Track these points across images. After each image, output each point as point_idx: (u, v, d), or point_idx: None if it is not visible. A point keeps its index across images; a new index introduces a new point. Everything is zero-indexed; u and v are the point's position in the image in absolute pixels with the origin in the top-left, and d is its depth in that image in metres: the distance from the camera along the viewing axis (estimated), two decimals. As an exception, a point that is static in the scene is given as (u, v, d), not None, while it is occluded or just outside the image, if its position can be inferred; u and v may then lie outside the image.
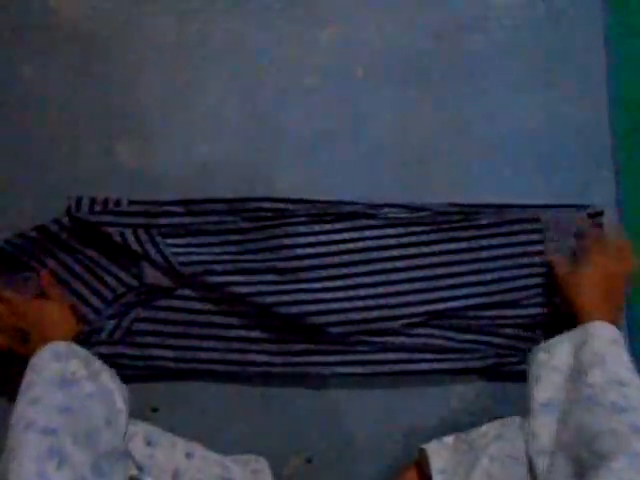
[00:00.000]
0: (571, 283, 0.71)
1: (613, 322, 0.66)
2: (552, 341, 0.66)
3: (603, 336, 0.64)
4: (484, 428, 0.68)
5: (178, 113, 0.81)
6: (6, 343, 0.68)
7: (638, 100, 0.85)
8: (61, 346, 0.62)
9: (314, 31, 0.84)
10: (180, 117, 0.81)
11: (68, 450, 0.51)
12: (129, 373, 0.73)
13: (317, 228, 0.77)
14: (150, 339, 0.74)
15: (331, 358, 0.74)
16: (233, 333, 0.74)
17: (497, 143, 0.83)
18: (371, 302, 0.75)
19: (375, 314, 0.74)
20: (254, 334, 0.75)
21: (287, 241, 0.76)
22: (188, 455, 0.63)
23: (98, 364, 0.63)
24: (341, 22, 0.84)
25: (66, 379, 0.58)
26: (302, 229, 0.77)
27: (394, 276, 0.76)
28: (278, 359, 0.74)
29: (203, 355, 0.74)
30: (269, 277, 0.75)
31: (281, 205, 0.78)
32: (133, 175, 0.80)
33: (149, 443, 0.61)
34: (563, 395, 0.61)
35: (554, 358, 0.64)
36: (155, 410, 0.75)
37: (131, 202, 0.77)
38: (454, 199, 0.80)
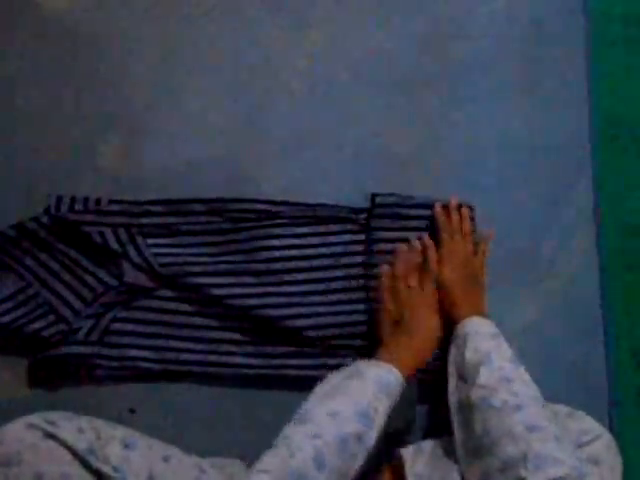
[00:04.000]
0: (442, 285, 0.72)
1: (482, 310, 0.70)
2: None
3: (481, 332, 0.66)
4: None
5: (163, 114, 0.81)
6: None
7: (617, 108, 0.86)
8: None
9: (300, 34, 0.84)
10: (165, 118, 0.81)
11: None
12: (105, 373, 0.73)
13: (297, 230, 0.77)
14: (128, 339, 0.74)
15: (309, 361, 0.74)
16: (212, 334, 0.75)
17: (479, 149, 0.84)
18: (346, 307, 0.76)
19: (349, 319, 0.75)
20: (233, 336, 0.75)
21: (266, 243, 0.77)
22: (165, 458, 0.62)
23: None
24: (326, 26, 0.84)
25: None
26: (281, 231, 0.77)
27: (369, 282, 0.76)
28: (256, 361, 0.74)
29: (182, 356, 0.74)
30: (247, 279, 0.76)
31: (263, 207, 0.78)
32: (117, 175, 0.79)
33: (126, 446, 0.60)
34: (456, 398, 0.63)
35: (448, 364, 0.67)
36: (133, 411, 0.74)
37: (111, 201, 0.77)
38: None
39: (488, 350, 0.63)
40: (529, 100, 0.85)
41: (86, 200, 0.77)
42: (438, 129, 0.83)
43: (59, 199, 0.76)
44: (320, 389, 0.61)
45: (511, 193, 0.83)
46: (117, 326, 0.74)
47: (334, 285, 0.77)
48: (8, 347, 0.74)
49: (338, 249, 0.78)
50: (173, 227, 0.77)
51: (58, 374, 0.73)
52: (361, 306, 0.76)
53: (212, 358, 0.74)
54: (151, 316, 0.74)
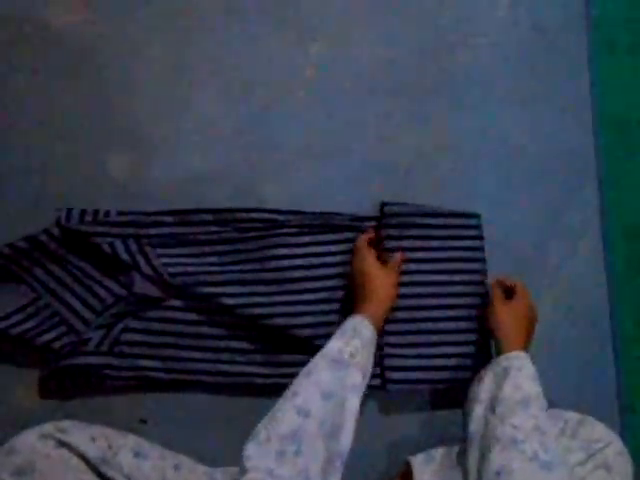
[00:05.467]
0: (499, 312, 0.72)
1: (527, 347, 0.69)
2: (481, 372, 0.67)
3: (525, 371, 0.63)
4: None
5: (169, 126, 0.82)
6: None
7: (621, 115, 0.87)
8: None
9: (303, 46, 0.85)
10: (171, 130, 0.82)
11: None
12: (117, 384, 0.73)
13: (305, 239, 0.78)
14: (139, 350, 0.74)
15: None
16: (222, 344, 0.75)
17: (482, 157, 0.84)
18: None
19: None
20: (242, 345, 0.75)
21: (275, 252, 0.77)
22: (176, 467, 0.63)
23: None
24: (330, 38, 0.85)
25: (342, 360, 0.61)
26: (289, 240, 0.77)
27: None
28: (265, 370, 0.75)
29: (192, 366, 0.74)
30: (256, 288, 0.76)
31: (270, 216, 0.79)
32: (123, 187, 0.80)
33: (137, 455, 0.61)
34: (479, 427, 0.61)
35: (480, 389, 0.65)
36: (144, 422, 0.75)
37: (120, 212, 0.78)
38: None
39: (529, 393, 0.61)
40: (533, 106, 0.86)
41: (96, 212, 0.78)
42: (442, 136, 0.84)
43: (69, 211, 0.77)
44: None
45: (516, 199, 0.84)
46: (127, 336, 0.74)
47: (340, 294, 0.77)
48: (19, 358, 0.75)
49: (344, 258, 0.78)
50: (182, 237, 0.78)
51: (69, 385, 0.74)
52: None
53: (221, 367, 0.74)
54: (160, 326, 0.75)
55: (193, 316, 0.76)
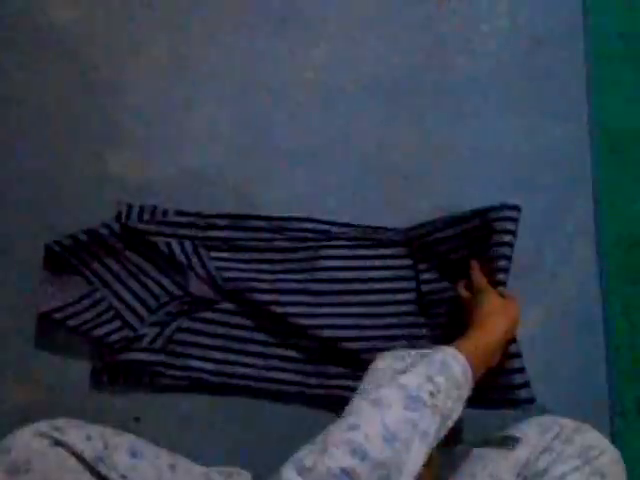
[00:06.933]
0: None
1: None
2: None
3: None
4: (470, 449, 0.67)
5: (169, 125, 0.83)
6: None
7: (616, 125, 0.89)
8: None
9: (306, 48, 0.86)
10: (171, 129, 0.83)
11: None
12: (167, 382, 0.74)
13: (357, 252, 0.79)
14: (190, 350, 0.75)
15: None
16: (271, 351, 0.76)
17: (479, 163, 0.85)
18: (398, 332, 0.77)
19: (401, 344, 0.76)
20: (292, 353, 0.76)
21: (326, 263, 0.78)
22: (171, 467, 0.62)
23: None
24: (333, 40, 0.86)
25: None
26: (342, 252, 0.79)
27: (418, 309, 0.78)
28: (313, 380, 0.76)
29: (241, 370, 0.75)
30: (305, 298, 0.77)
31: (324, 227, 0.80)
32: (123, 186, 0.81)
33: (133, 454, 0.60)
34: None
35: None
36: (138, 419, 0.75)
37: (178, 212, 0.79)
38: (437, 215, 0.80)
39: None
40: (529, 115, 0.87)
41: (154, 210, 0.79)
42: (441, 142, 0.85)
43: (130, 207, 0.78)
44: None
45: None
46: (180, 336, 0.75)
47: (385, 309, 0.78)
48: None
49: (388, 274, 0.79)
50: (235, 242, 0.79)
51: (121, 380, 0.75)
52: (415, 330, 0.77)
53: (270, 374, 0.75)
54: (212, 328, 0.76)
55: (244, 321, 0.77)
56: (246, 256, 0.79)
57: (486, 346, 0.62)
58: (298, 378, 0.76)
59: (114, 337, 0.74)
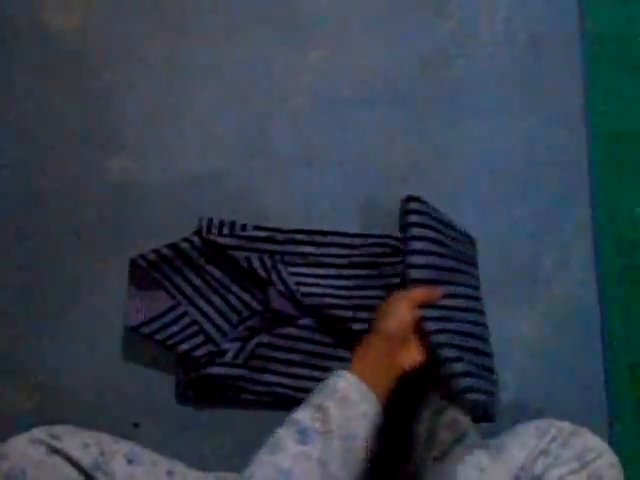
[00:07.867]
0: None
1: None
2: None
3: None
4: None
5: (168, 129, 0.83)
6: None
7: (614, 129, 0.88)
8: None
9: (303, 52, 0.86)
10: (170, 133, 0.83)
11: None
12: (251, 398, 0.75)
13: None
14: (270, 365, 0.76)
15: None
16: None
17: (479, 166, 0.85)
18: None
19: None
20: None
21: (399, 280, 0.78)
22: (169, 473, 0.63)
23: None
24: (330, 44, 0.86)
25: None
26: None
27: None
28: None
29: (314, 386, 0.75)
30: None
31: (396, 242, 0.80)
32: (121, 189, 0.81)
33: (130, 461, 0.60)
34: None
35: None
36: (136, 425, 0.76)
37: (256, 227, 0.80)
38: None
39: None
40: (528, 118, 0.87)
41: (232, 224, 0.79)
42: (438, 146, 0.85)
43: (210, 221, 0.78)
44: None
45: (510, 209, 0.85)
46: (261, 351, 0.76)
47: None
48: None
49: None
50: (312, 257, 0.79)
51: (205, 395, 0.76)
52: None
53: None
54: (292, 344, 0.77)
55: (322, 337, 0.77)
56: (323, 271, 0.80)
57: (377, 348, 0.62)
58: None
59: (199, 352, 0.74)
